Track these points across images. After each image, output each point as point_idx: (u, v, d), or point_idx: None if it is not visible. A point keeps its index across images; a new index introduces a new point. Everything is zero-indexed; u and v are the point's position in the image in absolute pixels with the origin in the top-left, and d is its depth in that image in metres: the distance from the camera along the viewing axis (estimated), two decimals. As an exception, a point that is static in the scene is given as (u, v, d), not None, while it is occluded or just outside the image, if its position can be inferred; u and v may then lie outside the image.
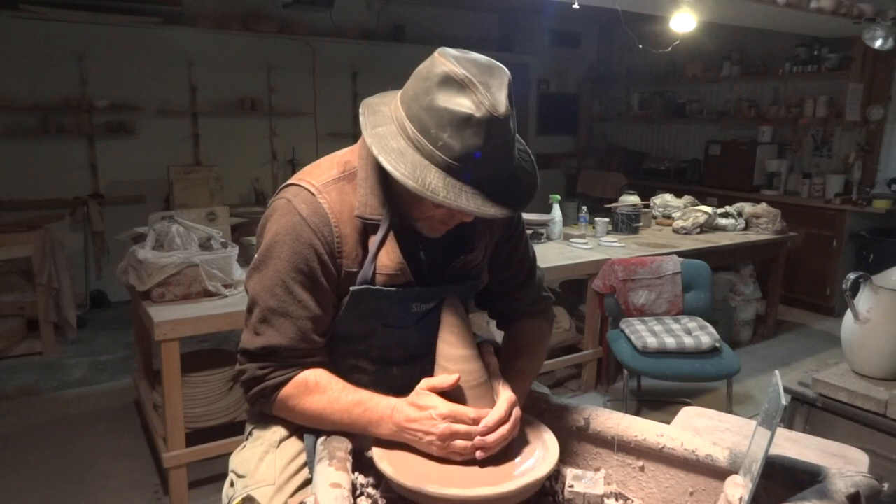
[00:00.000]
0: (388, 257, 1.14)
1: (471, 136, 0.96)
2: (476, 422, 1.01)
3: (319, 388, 1.13)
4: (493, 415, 1.01)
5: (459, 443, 1.00)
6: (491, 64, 1.02)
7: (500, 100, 0.97)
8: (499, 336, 1.40)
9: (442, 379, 1.04)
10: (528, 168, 1.10)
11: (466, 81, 0.96)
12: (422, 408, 1.02)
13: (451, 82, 0.97)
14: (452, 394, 1.03)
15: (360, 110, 1.09)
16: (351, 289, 1.14)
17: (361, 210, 1.13)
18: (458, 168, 0.98)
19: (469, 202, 0.98)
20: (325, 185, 1.13)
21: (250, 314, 1.16)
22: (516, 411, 1.05)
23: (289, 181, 1.18)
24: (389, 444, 1.06)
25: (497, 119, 0.97)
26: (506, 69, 1.03)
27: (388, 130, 1.03)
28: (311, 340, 1.14)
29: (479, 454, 1.00)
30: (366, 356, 1.24)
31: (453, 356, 1.04)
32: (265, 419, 1.25)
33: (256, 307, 1.14)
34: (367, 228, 1.14)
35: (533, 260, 1.38)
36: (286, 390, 1.14)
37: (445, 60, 0.99)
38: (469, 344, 1.05)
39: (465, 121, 0.96)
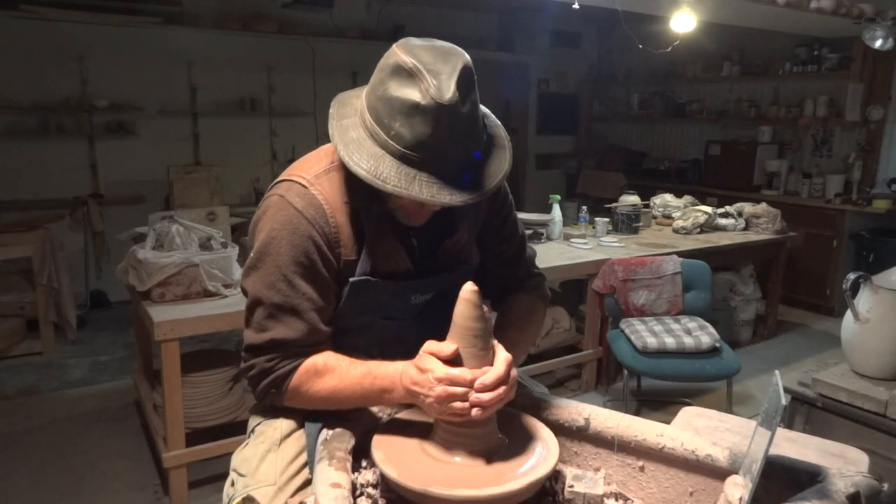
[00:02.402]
0: (382, 245, 1.16)
1: (420, 124, 0.99)
2: (473, 384, 1.00)
3: (328, 369, 1.13)
4: (491, 373, 1.00)
5: (457, 404, 0.98)
6: (448, 51, 1.03)
7: (447, 87, 0.98)
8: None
9: (441, 346, 1.02)
10: (502, 152, 1.11)
11: (414, 70, 0.99)
12: (422, 370, 1.02)
13: (401, 72, 1.00)
14: (454, 359, 1.02)
15: (332, 103, 1.12)
16: (350, 280, 1.15)
17: (353, 197, 1.14)
18: (412, 157, 1.01)
19: (423, 191, 1.00)
20: (316, 178, 1.15)
21: (251, 313, 1.16)
22: (513, 372, 1.04)
23: (279, 178, 1.18)
24: (389, 441, 1.06)
25: (444, 106, 0.98)
26: (464, 55, 1.04)
27: (350, 122, 1.07)
28: (318, 331, 1.15)
29: (475, 412, 0.98)
30: (366, 353, 1.24)
31: (466, 322, 1.03)
32: (270, 413, 1.25)
33: (259, 305, 1.14)
34: (361, 216, 1.15)
35: (522, 237, 1.39)
36: (297, 378, 1.13)
37: (399, 50, 1.02)
38: (480, 317, 1.03)
39: (413, 109, 0.99)
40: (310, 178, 1.14)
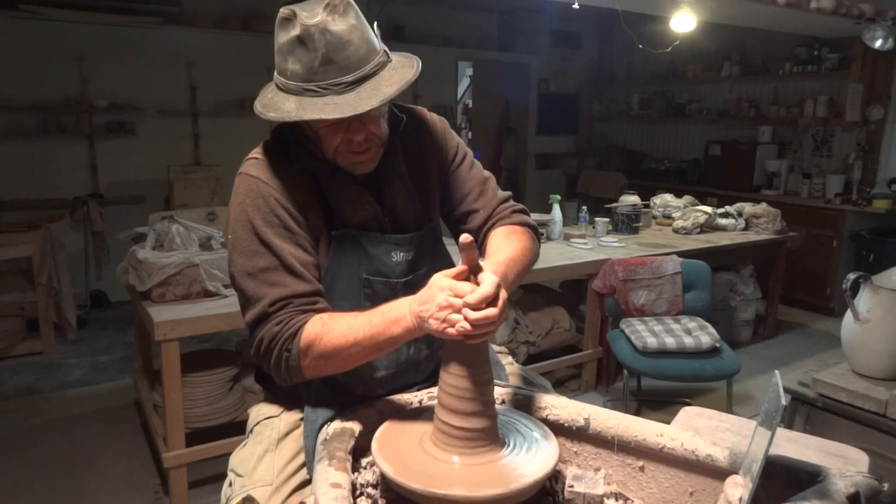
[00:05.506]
0: (345, 194, 1.22)
1: (304, 54, 1.10)
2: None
3: (335, 318, 1.12)
4: (476, 292, 0.98)
5: (455, 316, 0.99)
6: None
7: (315, 12, 1.09)
8: None
9: (450, 269, 1.04)
10: (407, 69, 1.17)
11: (290, 15, 1.10)
12: (428, 286, 1.03)
13: (283, 21, 1.12)
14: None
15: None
16: (332, 233, 1.20)
17: (299, 158, 1.21)
18: (312, 88, 1.10)
19: (325, 110, 1.08)
20: (266, 150, 1.25)
21: (245, 291, 1.16)
22: (502, 293, 1.02)
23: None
24: (390, 441, 1.06)
25: (314, 27, 1.08)
26: None
27: (269, 89, 1.19)
28: (312, 283, 1.17)
29: (459, 327, 0.97)
30: None
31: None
32: (272, 401, 1.25)
33: (249, 278, 1.15)
34: (317, 178, 1.21)
35: (487, 180, 1.41)
36: (306, 334, 1.11)
37: (281, 10, 1.12)
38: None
39: (294, 42, 1.10)
40: (260, 150, 1.25)
